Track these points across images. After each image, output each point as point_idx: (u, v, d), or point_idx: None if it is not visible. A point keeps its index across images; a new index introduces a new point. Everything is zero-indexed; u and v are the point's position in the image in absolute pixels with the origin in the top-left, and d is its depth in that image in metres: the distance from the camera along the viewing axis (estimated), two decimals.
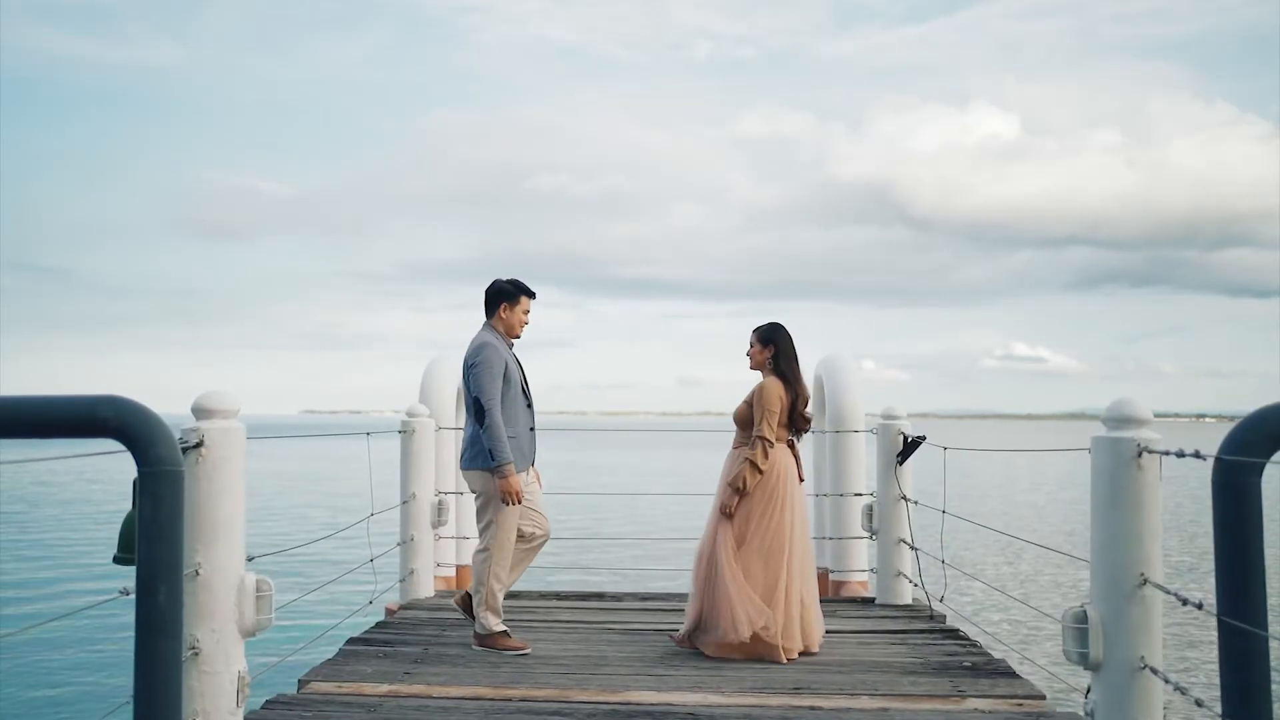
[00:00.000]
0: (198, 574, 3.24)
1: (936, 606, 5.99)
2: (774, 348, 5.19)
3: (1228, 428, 2.22)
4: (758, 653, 4.91)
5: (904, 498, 6.27)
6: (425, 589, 6.43)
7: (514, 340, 5.28)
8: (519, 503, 5.04)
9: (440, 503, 6.56)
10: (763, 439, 5.03)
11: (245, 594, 3.32)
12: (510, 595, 6.67)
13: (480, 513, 5.16)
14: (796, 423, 5.20)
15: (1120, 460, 3.20)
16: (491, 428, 4.96)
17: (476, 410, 5.03)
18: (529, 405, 5.25)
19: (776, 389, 5.11)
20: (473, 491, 5.21)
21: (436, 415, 6.78)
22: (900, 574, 6.33)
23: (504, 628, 5.15)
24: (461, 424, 7.52)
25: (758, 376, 5.26)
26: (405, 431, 6.42)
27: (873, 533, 6.46)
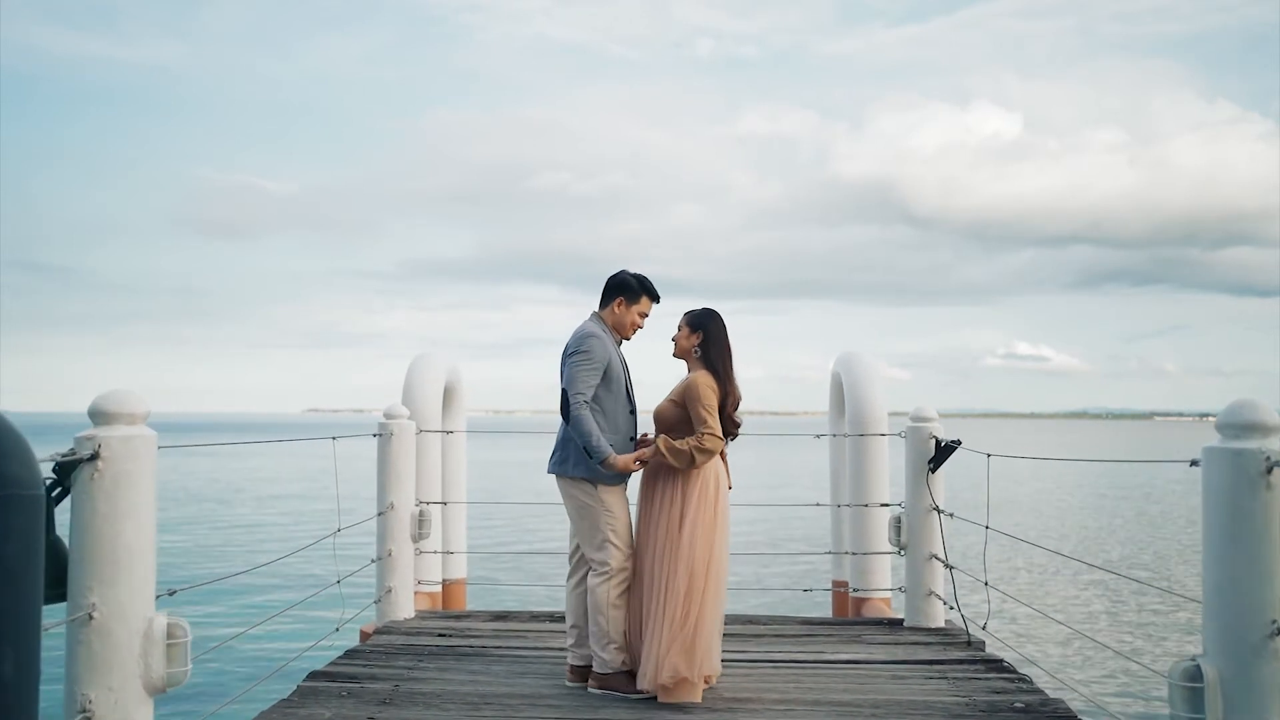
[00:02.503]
0: (91, 618, 2.61)
1: (975, 632, 5.35)
2: (703, 335, 4.50)
3: None
4: (678, 696, 4.17)
5: (936, 509, 5.63)
6: (404, 609, 5.79)
7: (622, 340, 4.64)
8: (635, 467, 4.39)
9: (422, 513, 5.92)
10: (712, 434, 4.29)
11: (153, 641, 2.68)
12: (499, 616, 6.04)
13: (584, 530, 4.43)
14: (725, 425, 4.45)
15: (1244, 477, 2.58)
16: (578, 422, 4.29)
17: (562, 403, 4.39)
18: (632, 411, 4.55)
19: (709, 381, 4.40)
20: (569, 503, 4.49)
21: (419, 417, 6.14)
22: (932, 594, 5.69)
23: (630, 666, 4.36)
24: (450, 427, 6.91)
25: (683, 369, 4.58)
26: (382, 435, 5.78)
27: (901, 547, 5.81)
